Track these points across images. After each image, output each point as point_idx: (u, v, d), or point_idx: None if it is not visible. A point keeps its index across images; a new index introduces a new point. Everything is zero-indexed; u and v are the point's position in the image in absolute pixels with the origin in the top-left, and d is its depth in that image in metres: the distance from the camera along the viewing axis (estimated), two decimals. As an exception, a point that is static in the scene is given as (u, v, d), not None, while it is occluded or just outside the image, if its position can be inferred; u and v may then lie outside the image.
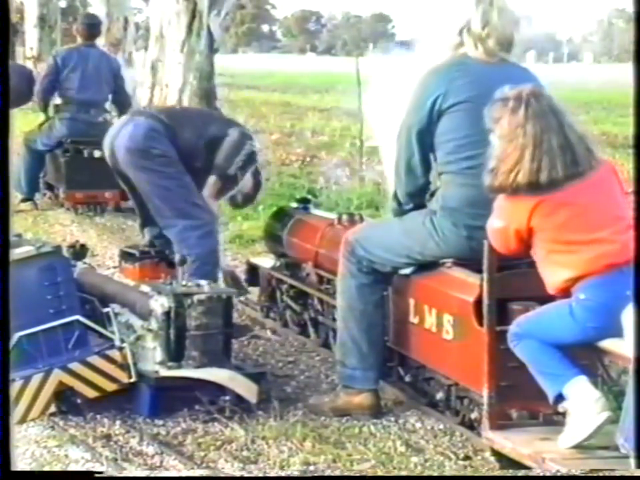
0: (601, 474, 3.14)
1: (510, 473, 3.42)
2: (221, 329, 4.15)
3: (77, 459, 3.65)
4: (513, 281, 3.55)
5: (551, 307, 3.33)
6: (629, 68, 3.28)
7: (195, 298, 4.09)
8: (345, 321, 4.14)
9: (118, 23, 19.45)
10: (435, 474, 3.57)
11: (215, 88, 16.18)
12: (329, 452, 3.70)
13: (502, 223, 3.36)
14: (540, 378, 3.29)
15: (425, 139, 3.84)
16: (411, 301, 3.98)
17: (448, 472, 3.58)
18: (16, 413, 3.73)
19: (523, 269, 3.58)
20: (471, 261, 3.70)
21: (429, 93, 3.82)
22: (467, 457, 3.68)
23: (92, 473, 3.36)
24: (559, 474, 3.17)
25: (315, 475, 3.55)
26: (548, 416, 3.43)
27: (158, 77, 16.00)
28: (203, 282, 4.27)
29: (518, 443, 3.38)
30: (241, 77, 30.74)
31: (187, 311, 4.07)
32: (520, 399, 3.47)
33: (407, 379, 4.14)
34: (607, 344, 3.19)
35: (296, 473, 3.55)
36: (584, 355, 3.34)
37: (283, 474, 3.56)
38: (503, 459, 3.48)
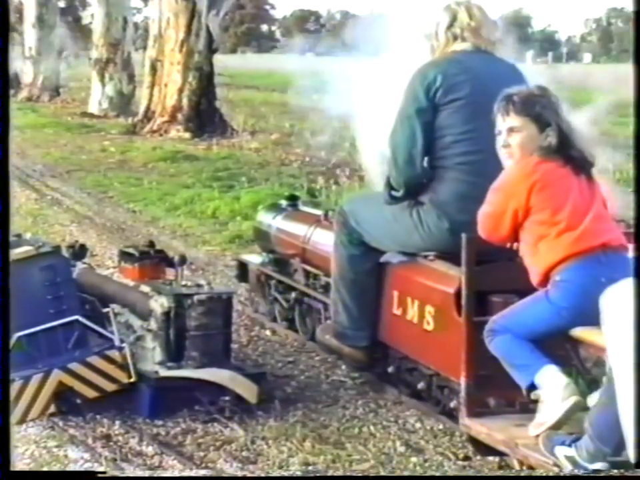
0: (601, 473, 3.14)
1: (510, 473, 3.42)
2: (220, 329, 4.14)
3: (77, 459, 3.65)
4: (493, 274, 3.61)
5: (527, 298, 3.41)
6: (628, 68, 3.30)
7: (195, 298, 4.08)
8: (336, 285, 4.25)
9: (117, 23, 19.44)
10: (435, 474, 3.57)
11: (214, 88, 16.19)
12: (328, 452, 3.70)
13: (499, 205, 3.40)
14: (513, 371, 3.36)
15: (428, 130, 3.90)
16: (395, 293, 4.05)
17: (448, 472, 3.58)
18: (15, 413, 3.73)
19: (503, 262, 3.63)
20: (453, 255, 3.74)
21: (426, 84, 3.88)
22: (466, 458, 3.68)
23: (94, 472, 3.35)
24: (560, 474, 3.17)
25: (315, 475, 3.54)
26: (524, 404, 3.48)
27: (157, 77, 15.99)
28: (203, 282, 4.26)
29: (493, 429, 3.44)
30: (240, 76, 30.73)
31: (187, 311, 4.07)
32: (497, 387, 3.53)
33: (390, 369, 4.21)
34: (579, 332, 3.25)
35: (296, 474, 3.55)
36: (559, 346, 3.38)
37: (282, 474, 3.56)
38: (480, 446, 3.53)
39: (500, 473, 3.50)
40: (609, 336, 2.99)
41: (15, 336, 3.73)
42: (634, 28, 3.17)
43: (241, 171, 11.20)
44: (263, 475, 3.56)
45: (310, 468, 3.58)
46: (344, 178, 9.44)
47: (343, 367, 4.67)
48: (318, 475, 3.54)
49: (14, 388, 3.70)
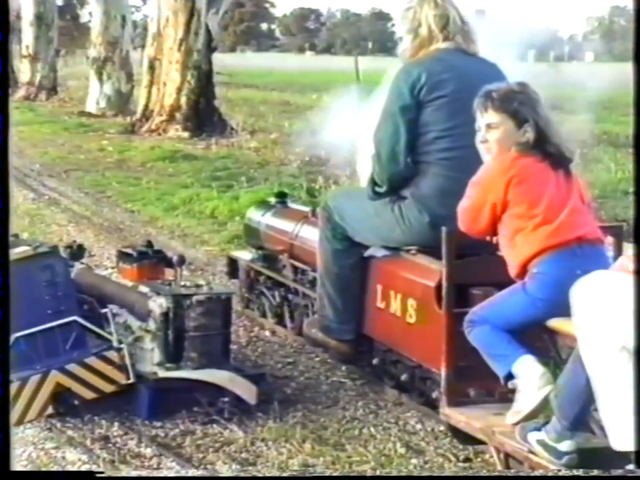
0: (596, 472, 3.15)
1: (510, 473, 3.40)
2: (219, 330, 4.12)
3: (75, 461, 3.63)
4: (473, 267, 3.68)
5: (505, 290, 3.48)
6: (629, 67, 3.30)
7: (194, 299, 4.07)
8: (322, 279, 4.33)
9: (115, 21, 19.40)
10: (435, 476, 3.56)
11: (213, 87, 16.16)
12: (328, 454, 3.68)
13: (478, 198, 3.47)
14: (491, 361, 3.44)
15: (411, 126, 3.98)
16: (378, 287, 4.13)
17: (448, 474, 3.56)
18: (13, 414, 3.70)
19: (483, 256, 3.68)
20: (434, 249, 3.80)
21: (411, 82, 3.97)
22: (467, 459, 3.67)
23: (92, 473, 3.33)
24: (559, 474, 3.17)
25: (314, 476, 3.52)
26: (503, 393, 3.55)
27: (156, 76, 15.96)
28: (202, 282, 4.25)
29: (472, 418, 3.53)
30: (240, 75, 30.67)
31: (186, 312, 4.05)
32: (477, 378, 3.60)
33: (375, 361, 4.27)
34: (555, 323, 3.31)
35: (295, 475, 3.53)
36: (537, 338, 3.47)
37: (282, 475, 3.54)
38: (460, 435, 3.62)
39: (499, 473, 3.48)
40: (579, 326, 3.06)
41: (13, 336, 3.70)
42: (634, 27, 3.17)
43: (240, 170, 11.17)
44: (262, 476, 3.54)
45: (310, 469, 3.56)
46: (344, 178, 9.41)
47: (343, 368, 4.66)
48: (317, 475, 3.52)
49: (12, 389, 3.68)
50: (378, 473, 3.56)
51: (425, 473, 3.57)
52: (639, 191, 3.13)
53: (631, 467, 3.02)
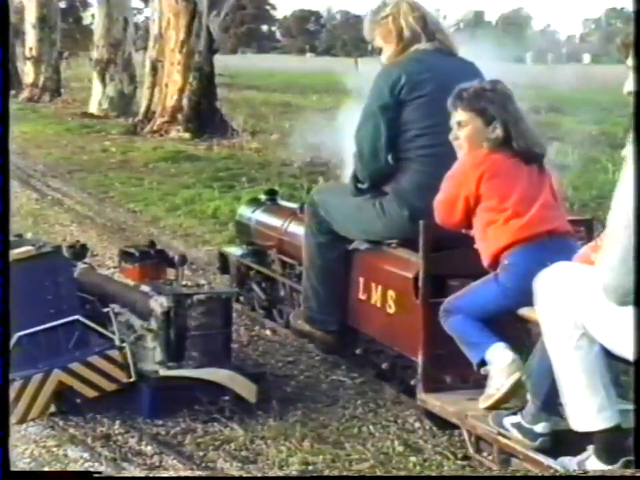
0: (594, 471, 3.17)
1: (509, 472, 3.43)
2: (220, 329, 4.16)
3: (76, 459, 3.65)
4: (450, 259, 3.78)
5: (478, 280, 3.60)
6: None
7: (195, 298, 4.10)
8: (307, 271, 4.44)
9: (118, 23, 19.44)
10: (434, 474, 3.59)
11: (215, 88, 16.19)
12: (327, 452, 3.71)
13: (451, 192, 3.60)
14: (465, 348, 3.57)
15: (392, 125, 4.09)
16: (361, 279, 4.23)
17: (446, 472, 3.60)
18: (15, 412, 3.74)
19: (461, 249, 3.77)
20: (414, 242, 3.88)
21: (391, 82, 4.07)
22: (465, 457, 3.69)
23: (91, 473, 3.36)
24: (558, 474, 3.19)
25: (314, 474, 3.55)
26: (477, 380, 3.66)
27: (158, 77, 16.00)
28: (204, 282, 4.28)
29: (446, 403, 3.69)
30: (241, 77, 30.76)
31: (187, 311, 4.09)
32: (453, 365, 3.73)
33: (358, 351, 4.39)
34: (525, 311, 3.41)
35: (295, 473, 3.56)
36: (511, 326, 3.60)
37: (281, 474, 3.57)
38: (437, 420, 3.78)
39: (496, 472, 3.50)
40: (540, 314, 3.17)
41: (15, 336, 3.74)
42: (634, 28, 3.19)
43: (241, 171, 11.20)
44: (262, 474, 3.57)
45: (309, 468, 3.59)
46: (344, 178, 9.43)
47: (343, 366, 4.69)
48: (317, 475, 3.55)
49: (14, 388, 3.71)
50: (377, 471, 3.58)
51: (424, 471, 3.60)
52: (639, 190, 3.16)
53: (590, 447, 3.12)
